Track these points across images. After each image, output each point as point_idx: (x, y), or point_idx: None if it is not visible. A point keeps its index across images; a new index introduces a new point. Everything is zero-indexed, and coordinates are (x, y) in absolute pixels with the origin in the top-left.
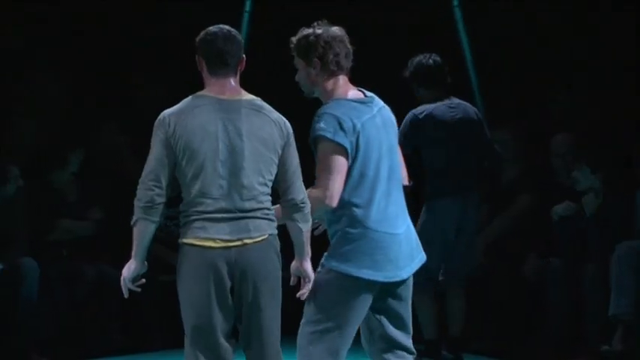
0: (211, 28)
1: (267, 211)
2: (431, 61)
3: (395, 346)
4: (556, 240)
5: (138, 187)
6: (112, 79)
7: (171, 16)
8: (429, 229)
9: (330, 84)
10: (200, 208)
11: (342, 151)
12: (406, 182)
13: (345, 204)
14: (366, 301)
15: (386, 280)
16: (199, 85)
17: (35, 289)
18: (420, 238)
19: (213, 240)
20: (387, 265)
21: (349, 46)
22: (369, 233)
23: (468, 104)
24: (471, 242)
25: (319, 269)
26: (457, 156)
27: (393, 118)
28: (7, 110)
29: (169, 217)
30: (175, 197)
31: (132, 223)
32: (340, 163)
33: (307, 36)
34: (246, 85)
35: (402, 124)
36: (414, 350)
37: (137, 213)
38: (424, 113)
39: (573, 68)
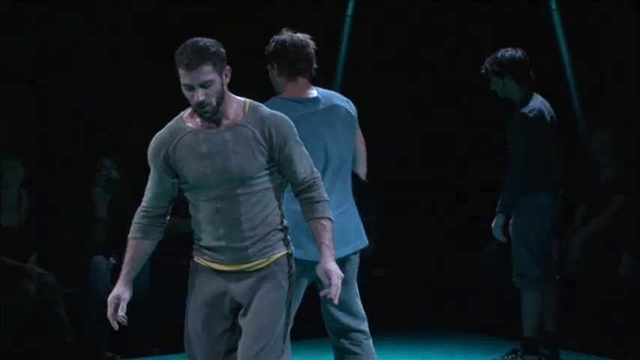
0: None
1: None
2: (522, 54)
3: (346, 329)
4: None
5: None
6: None
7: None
8: (538, 224)
9: (288, 86)
10: None
11: None
12: (363, 177)
13: None
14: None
15: (308, 258)
16: None
17: (145, 285)
18: (530, 235)
19: None
20: (307, 245)
21: (311, 50)
22: (292, 215)
23: None
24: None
25: None
26: (551, 153)
27: (345, 114)
28: (117, 110)
29: None
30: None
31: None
32: None
33: (270, 42)
34: (350, 84)
35: (513, 125)
36: (366, 332)
37: None
38: (533, 112)
39: None
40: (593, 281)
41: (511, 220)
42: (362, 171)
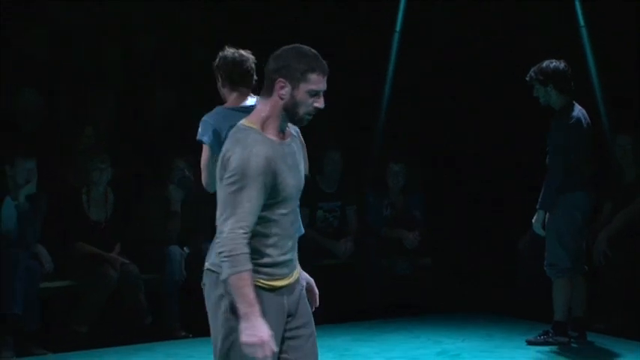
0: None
1: None
2: (565, 66)
3: None
4: None
5: None
6: None
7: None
8: (572, 220)
9: (230, 96)
10: None
11: (207, 148)
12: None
13: None
14: None
15: None
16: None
17: None
18: (563, 230)
19: None
20: None
21: (250, 65)
22: None
23: None
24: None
25: None
26: (586, 156)
27: None
28: (191, 115)
29: (329, 210)
30: (333, 193)
31: None
32: (206, 158)
33: (217, 57)
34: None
35: (557, 130)
36: None
37: None
38: (572, 120)
39: None
40: (618, 270)
41: (547, 215)
42: (304, 167)
